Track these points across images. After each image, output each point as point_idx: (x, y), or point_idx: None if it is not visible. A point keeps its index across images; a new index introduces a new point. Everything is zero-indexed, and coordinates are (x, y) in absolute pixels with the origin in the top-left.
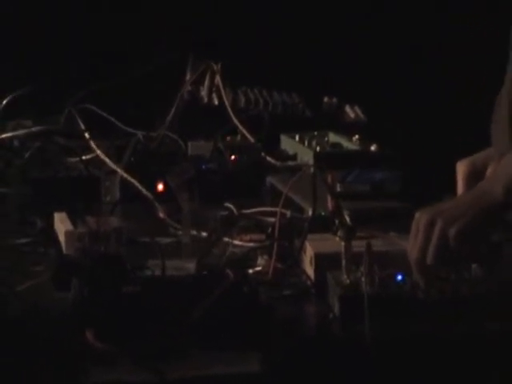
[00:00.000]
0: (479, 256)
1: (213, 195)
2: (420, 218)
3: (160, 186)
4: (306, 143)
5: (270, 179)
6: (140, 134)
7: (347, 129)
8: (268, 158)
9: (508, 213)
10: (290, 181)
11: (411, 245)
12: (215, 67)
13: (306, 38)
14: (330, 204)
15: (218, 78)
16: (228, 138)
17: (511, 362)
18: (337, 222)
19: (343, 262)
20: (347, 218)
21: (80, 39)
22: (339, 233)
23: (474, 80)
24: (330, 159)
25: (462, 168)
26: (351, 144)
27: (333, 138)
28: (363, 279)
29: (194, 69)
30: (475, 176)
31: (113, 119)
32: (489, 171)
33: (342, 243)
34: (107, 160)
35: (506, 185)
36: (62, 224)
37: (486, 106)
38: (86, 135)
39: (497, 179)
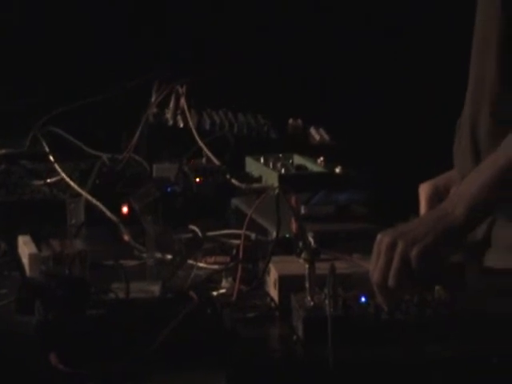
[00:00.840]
0: (441, 278)
1: (178, 217)
2: (381, 239)
3: (125, 209)
4: (271, 165)
5: (235, 201)
6: (105, 156)
7: (312, 151)
8: (233, 181)
9: (469, 234)
10: (254, 203)
11: (373, 267)
12: (180, 90)
13: (270, 61)
14: (293, 226)
15: (182, 101)
16: (193, 161)
17: None
18: (300, 244)
19: (307, 284)
20: (311, 240)
21: (45, 63)
22: (303, 255)
23: (436, 103)
24: (294, 181)
25: (424, 190)
26: (316, 166)
27: (298, 160)
28: (327, 301)
29: (160, 91)
30: (438, 198)
31: (78, 142)
32: (451, 193)
33: (306, 265)
34: (72, 183)
35: (467, 206)
36: (26, 247)
37: (449, 128)
38: (51, 158)
39: (458, 201)
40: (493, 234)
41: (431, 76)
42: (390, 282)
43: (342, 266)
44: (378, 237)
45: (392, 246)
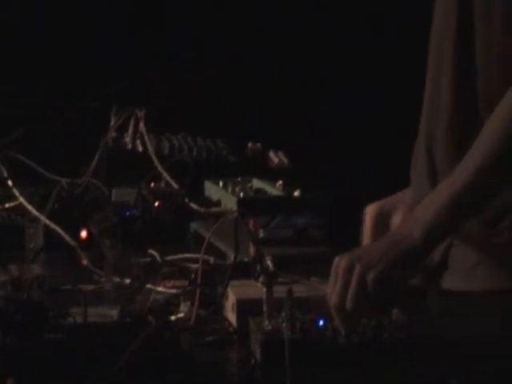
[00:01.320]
0: (399, 301)
1: (136, 242)
2: (339, 263)
3: (83, 233)
4: (230, 189)
5: (194, 225)
6: (64, 180)
7: (271, 174)
8: (192, 205)
9: (427, 257)
10: (212, 227)
11: (330, 290)
12: (139, 114)
13: (229, 84)
14: (252, 250)
15: (141, 125)
16: (152, 185)
17: None
18: (258, 268)
19: (265, 307)
20: (269, 264)
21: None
22: (261, 279)
23: (393, 125)
24: (253, 205)
25: (370, 211)
26: (275, 190)
27: (257, 183)
28: (284, 325)
29: (118, 116)
30: (382, 219)
31: (37, 166)
32: (396, 214)
33: (264, 289)
34: (30, 208)
35: (423, 230)
36: None
37: (406, 149)
38: (9, 183)
39: (415, 224)
40: (450, 256)
41: (386, 98)
42: (348, 304)
43: (299, 290)
44: (336, 260)
45: (349, 269)
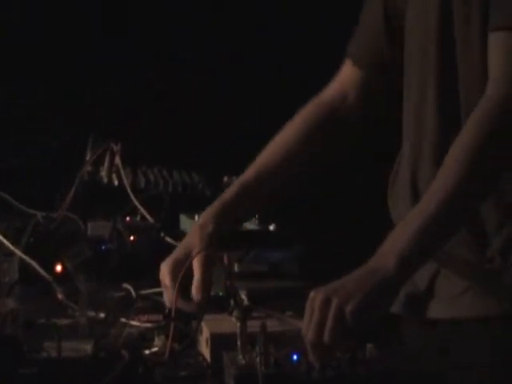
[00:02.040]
0: (377, 333)
1: (112, 276)
2: (315, 297)
3: (58, 267)
4: None
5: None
6: (39, 214)
7: None
8: (167, 239)
9: (403, 285)
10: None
11: (306, 324)
12: (115, 148)
13: (204, 118)
14: (226, 284)
15: (117, 159)
16: (127, 219)
17: None
18: (232, 302)
19: (239, 342)
20: (244, 298)
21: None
22: (235, 313)
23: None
24: (228, 239)
25: (165, 267)
26: (250, 223)
27: None
28: (258, 359)
29: (94, 149)
30: (178, 266)
31: (12, 200)
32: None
33: (238, 323)
34: (5, 241)
35: (398, 257)
36: None
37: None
38: None
39: (389, 252)
40: (436, 284)
41: None
42: (326, 339)
43: (274, 324)
44: (311, 294)
45: (326, 303)
